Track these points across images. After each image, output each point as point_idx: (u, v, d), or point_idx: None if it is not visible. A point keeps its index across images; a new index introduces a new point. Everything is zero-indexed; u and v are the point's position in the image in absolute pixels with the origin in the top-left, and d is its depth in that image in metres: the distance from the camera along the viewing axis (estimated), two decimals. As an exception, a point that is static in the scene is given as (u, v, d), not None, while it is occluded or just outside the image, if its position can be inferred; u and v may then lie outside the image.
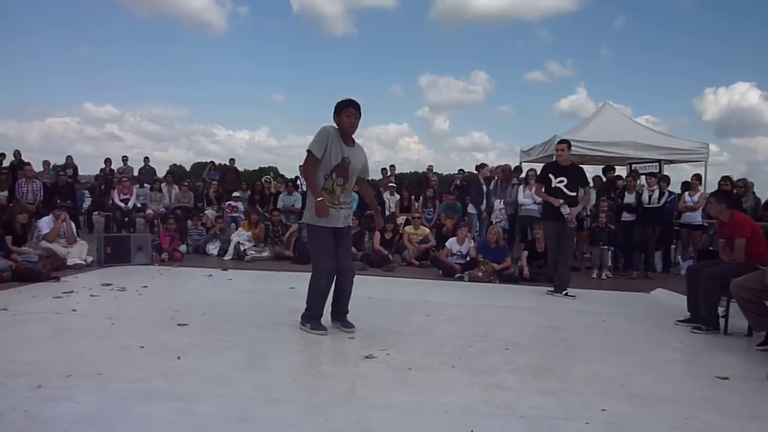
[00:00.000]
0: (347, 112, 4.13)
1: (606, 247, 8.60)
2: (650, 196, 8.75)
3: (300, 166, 4.20)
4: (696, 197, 9.14)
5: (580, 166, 6.96)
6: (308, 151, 4.11)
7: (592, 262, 8.92)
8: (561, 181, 6.51)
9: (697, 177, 9.80)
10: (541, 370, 3.61)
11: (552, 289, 6.67)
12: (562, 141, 6.77)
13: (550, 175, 6.57)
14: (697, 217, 9.13)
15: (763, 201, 9.33)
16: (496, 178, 10.58)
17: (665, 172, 10.94)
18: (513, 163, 12.31)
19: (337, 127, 4.17)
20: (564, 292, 6.53)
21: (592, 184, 8.90)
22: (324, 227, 4.13)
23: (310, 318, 4.26)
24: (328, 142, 4.07)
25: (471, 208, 10.34)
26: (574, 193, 6.49)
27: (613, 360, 3.96)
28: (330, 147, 4.08)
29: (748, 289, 4.38)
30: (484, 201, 10.30)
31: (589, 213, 9.48)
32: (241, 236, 9.13)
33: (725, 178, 9.12)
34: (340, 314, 4.39)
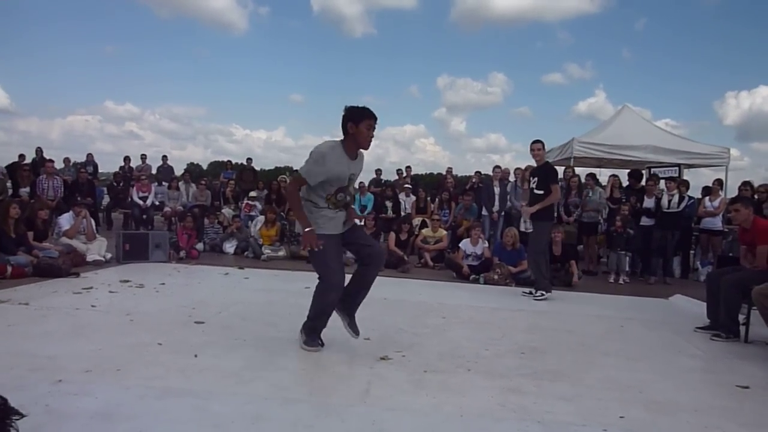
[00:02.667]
0: (368, 123, 3.54)
1: (623, 252, 8.51)
2: (670, 201, 8.63)
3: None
4: (716, 202, 9.01)
5: (552, 165, 6.98)
6: (296, 172, 3.56)
7: (609, 266, 8.83)
8: (534, 182, 6.63)
9: (718, 182, 9.66)
10: (557, 375, 3.58)
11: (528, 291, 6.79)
12: (537, 141, 6.78)
13: (530, 177, 6.74)
14: (717, 223, 9.00)
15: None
16: (514, 179, 10.50)
17: (685, 177, 10.80)
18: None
19: (342, 138, 3.59)
20: (537, 293, 6.59)
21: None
22: (330, 234, 3.66)
23: (313, 331, 3.85)
24: (326, 165, 3.47)
25: (483, 210, 10.31)
26: (542, 191, 6.54)
27: (631, 366, 3.92)
28: (333, 168, 3.51)
29: (770, 297, 4.31)
30: (497, 203, 10.24)
31: (604, 217, 9.42)
32: (256, 232, 9.30)
33: (746, 183, 8.98)
34: (353, 309, 3.92)
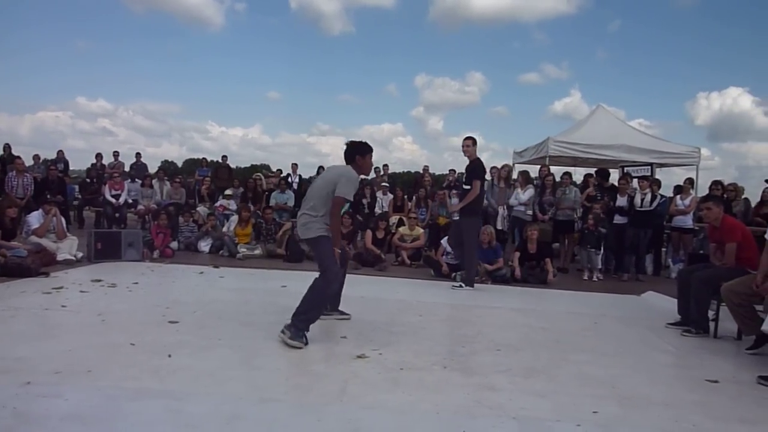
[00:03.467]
0: (371, 155, 4.41)
1: (594, 249, 8.63)
2: (642, 199, 8.78)
3: (333, 204, 4.05)
4: (687, 201, 9.19)
5: (480, 161, 7.13)
6: (341, 196, 4.03)
7: (581, 264, 8.96)
8: (464, 177, 6.91)
9: (689, 181, 9.86)
10: (532, 372, 3.62)
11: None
12: (467, 137, 6.98)
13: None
14: (688, 221, 9.18)
15: (753, 205, 9.40)
16: (490, 178, 10.55)
17: (657, 176, 11.00)
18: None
19: (349, 166, 4.26)
20: (459, 284, 6.96)
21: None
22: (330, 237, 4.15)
23: (305, 325, 3.93)
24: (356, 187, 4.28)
25: None
26: (468, 186, 6.80)
27: (605, 362, 3.98)
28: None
29: (739, 293, 4.41)
30: None
31: (579, 215, 9.55)
32: (231, 231, 9.24)
33: (716, 182, 9.18)
34: (337, 303, 4.73)
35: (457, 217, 7.10)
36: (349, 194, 4.09)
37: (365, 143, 4.40)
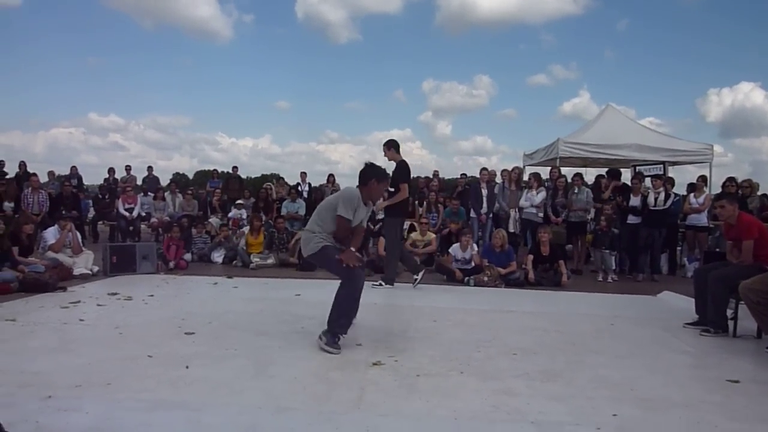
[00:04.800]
0: (386, 184, 4.53)
1: (608, 250, 8.57)
2: (656, 199, 8.70)
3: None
4: (701, 199, 9.10)
5: (405, 163, 7.24)
6: (340, 215, 4.13)
7: (595, 265, 8.89)
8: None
9: (703, 178, 9.77)
10: (549, 375, 3.59)
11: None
12: (385, 143, 7.21)
13: None
14: (702, 219, 9.09)
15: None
16: (501, 181, 10.53)
17: (670, 174, 10.91)
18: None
19: (358, 186, 4.26)
20: (378, 282, 7.09)
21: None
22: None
23: (340, 330, 4.07)
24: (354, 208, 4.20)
25: (472, 213, 10.33)
26: (392, 189, 6.92)
27: (622, 364, 3.94)
28: (358, 213, 4.24)
29: (757, 291, 4.36)
30: (484, 205, 10.28)
31: (591, 217, 9.49)
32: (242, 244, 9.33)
33: (730, 179, 9.09)
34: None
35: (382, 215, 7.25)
36: (347, 213, 4.11)
37: (382, 169, 4.40)
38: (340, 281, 4.14)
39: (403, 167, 7.14)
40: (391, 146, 7.20)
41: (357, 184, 4.29)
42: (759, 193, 9.68)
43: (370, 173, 4.24)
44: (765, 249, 4.86)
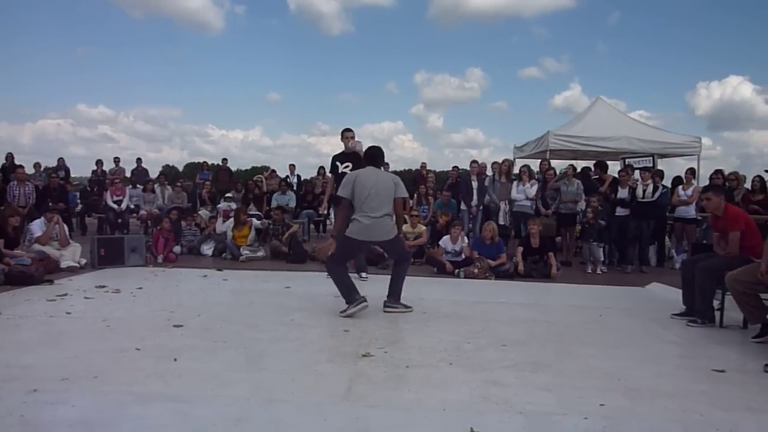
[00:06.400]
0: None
1: (596, 243, 8.61)
2: (644, 191, 8.75)
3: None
4: (689, 191, 9.15)
5: (361, 152, 7.17)
6: (403, 197, 5.14)
7: (583, 257, 8.94)
8: (347, 166, 6.86)
9: (691, 171, 9.82)
10: (538, 366, 3.61)
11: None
12: (349, 129, 7.11)
13: (337, 163, 7.04)
14: (690, 211, 9.15)
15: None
16: (492, 173, 10.54)
17: (659, 167, 10.97)
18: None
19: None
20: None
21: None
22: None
23: (351, 292, 4.90)
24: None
25: (462, 205, 10.35)
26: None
27: (610, 354, 3.97)
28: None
29: (743, 282, 4.39)
30: (475, 197, 10.30)
31: (582, 208, 9.52)
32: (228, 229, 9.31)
33: (717, 172, 9.16)
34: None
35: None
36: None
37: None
38: (400, 259, 5.17)
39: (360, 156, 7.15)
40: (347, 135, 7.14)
41: (372, 164, 4.98)
42: (745, 185, 9.72)
43: (382, 156, 5.10)
44: (751, 240, 4.90)
